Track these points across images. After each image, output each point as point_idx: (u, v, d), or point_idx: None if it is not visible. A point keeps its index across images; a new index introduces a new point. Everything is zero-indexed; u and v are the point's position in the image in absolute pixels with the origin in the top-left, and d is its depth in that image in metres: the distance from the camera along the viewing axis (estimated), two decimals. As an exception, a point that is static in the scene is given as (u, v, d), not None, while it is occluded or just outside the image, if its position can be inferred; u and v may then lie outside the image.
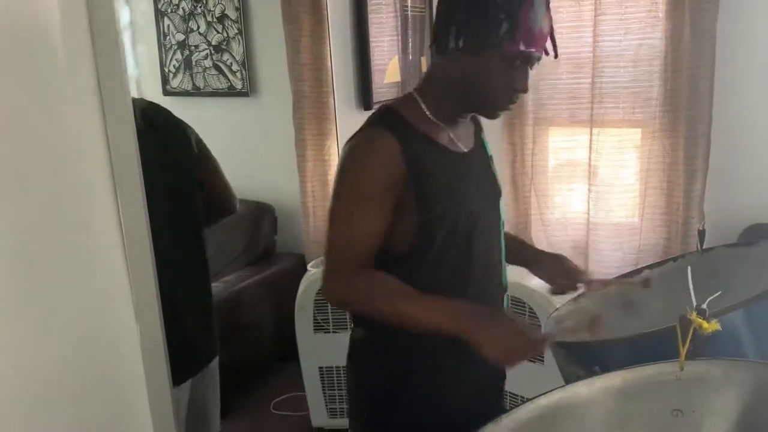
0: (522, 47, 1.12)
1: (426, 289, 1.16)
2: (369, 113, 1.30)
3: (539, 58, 1.19)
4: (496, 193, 1.36)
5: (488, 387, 1.37)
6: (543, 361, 2.31)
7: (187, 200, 1.72)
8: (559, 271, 1.44)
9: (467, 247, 1.25)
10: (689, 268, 1.07)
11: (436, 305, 1.13)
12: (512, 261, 1.55)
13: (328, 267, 1.19)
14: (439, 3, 1.24)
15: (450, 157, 1.25)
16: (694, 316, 0.98)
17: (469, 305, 1.13)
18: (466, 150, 1.29)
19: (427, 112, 1.23)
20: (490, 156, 1.40)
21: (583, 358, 1.24)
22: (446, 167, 1.23)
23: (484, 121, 1.38)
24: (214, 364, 1.85)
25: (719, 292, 1.05)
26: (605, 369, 1.06)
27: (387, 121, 1.22)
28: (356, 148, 1.21)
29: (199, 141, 1.80)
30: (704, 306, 0.99)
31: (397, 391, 1.27)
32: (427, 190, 1.19)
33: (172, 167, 1.64)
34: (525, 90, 1.20)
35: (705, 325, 0.97)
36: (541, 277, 1.48)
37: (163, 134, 1.65)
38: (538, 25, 1.13)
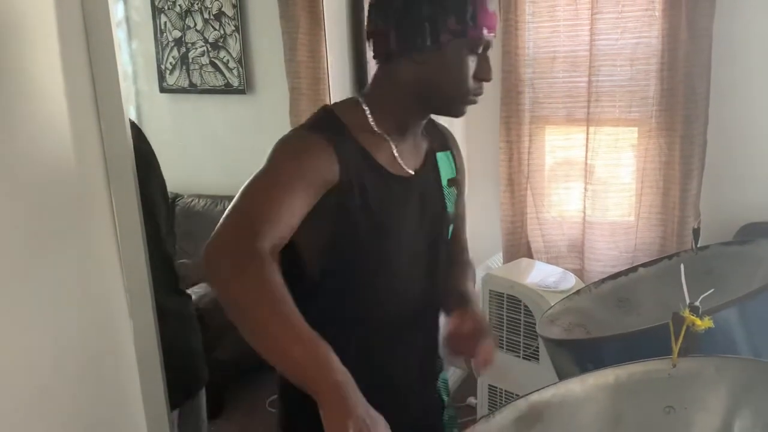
0: (485, 32, 1.08)
1: (330, 315, 1.02)
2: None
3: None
4: (440, 220, 1.24)
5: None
6: (538, 359, 2.32)
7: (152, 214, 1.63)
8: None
9: (383, 281, 1.15)
10: (682, 265, 1.07)
11: (313, 346, 0.87)
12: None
13: (221, 230, 0.96)
14: (372, 9, 1.12)
15: (385, 179, 1.13)
16: (687, 313, 0.98)
17: (346, 373, 0.87)
18: (410, 171, 1.18)
19: (372, 123, 1.13)
20: (453, 178, 1.27)
21: (577, 356, 1.25)
22: (379, 190, 1.12)
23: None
24: (202, 394, 1.83)
25: (712, 290, 1.05)
26: (599, 366, 1.06)
27: (325, 126, 1.11)
28: (288, 141, 1.10)
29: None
30: (697, 303, 0.99)
31: None
32: (352, 206, 1.08)
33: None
34: (490, 78, 1.13)
35: (698, 322, 0.97)
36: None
37: None
38: (493, 7, 1.09)
